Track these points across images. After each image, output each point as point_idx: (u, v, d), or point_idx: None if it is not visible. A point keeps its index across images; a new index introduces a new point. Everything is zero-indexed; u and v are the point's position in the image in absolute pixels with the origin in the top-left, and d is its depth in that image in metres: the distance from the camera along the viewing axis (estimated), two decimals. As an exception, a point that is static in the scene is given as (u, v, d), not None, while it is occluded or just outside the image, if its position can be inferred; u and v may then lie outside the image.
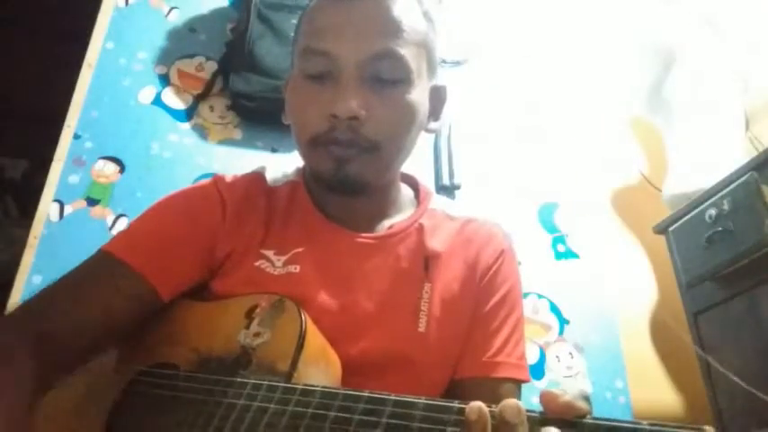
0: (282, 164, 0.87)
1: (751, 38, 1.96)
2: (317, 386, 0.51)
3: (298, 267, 0.72)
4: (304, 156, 0.78)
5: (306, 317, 0.60)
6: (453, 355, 0.76)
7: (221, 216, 0.75)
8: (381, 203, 0.82)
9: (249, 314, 0.63)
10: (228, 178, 0.83)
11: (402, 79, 0.71)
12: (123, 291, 0.67)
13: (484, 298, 0.78)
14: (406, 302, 0.73)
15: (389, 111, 0.71)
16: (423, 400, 0.44)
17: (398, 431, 0.43)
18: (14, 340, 0.58)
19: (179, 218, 0.76)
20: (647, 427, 0.36)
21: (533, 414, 0.41)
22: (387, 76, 0.70)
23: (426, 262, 0.76)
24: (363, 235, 0.77)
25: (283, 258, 0.72)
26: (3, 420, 0.50)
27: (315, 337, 0.61)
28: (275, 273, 0.71)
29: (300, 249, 0.73)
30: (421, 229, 0.79)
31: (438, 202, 0.86)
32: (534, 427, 0.39)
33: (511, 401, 0.40)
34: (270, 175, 0.85)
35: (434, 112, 0.81)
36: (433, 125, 0.81)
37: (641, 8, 2.13)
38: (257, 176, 0.83)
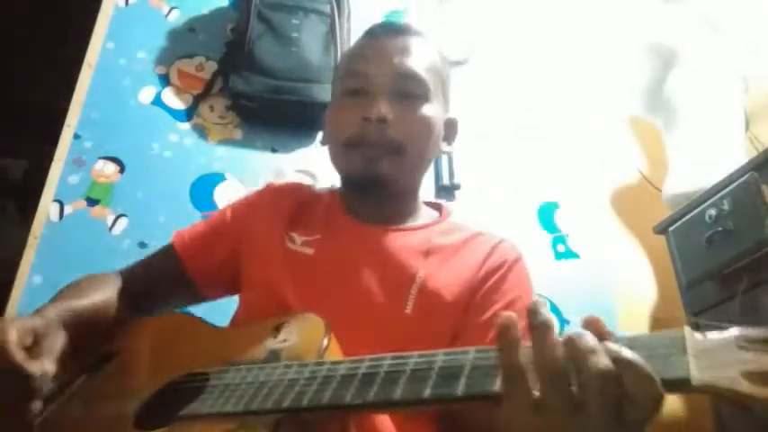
0: (333, 180, 0.99)
1: (751, 38, 1.96)
2: (345, 359, 0.54)
3: (312, 251, 0.84)
4: (339, 160, 0.90)
5: (329, 326, 0.64)
6: (442, 342, 0.76)
7: (257, 212, 0.93)
8: (401, 210, 0.90)
9: (276, 329, 0.67)
10: (278, 183, 1.00)
11: (422, 95, 0.86)
12: (166, 267, 0.94)
13: (488, 304, 0.79)
14: (398, 285, 0.78)
15: (412, 118, 0.85)
16: (442, 351, 0.49)
17: (421, 373, 0.47)
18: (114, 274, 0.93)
19: (222, 214, 0.97)
20: (635, 336, 0.42)
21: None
22: (409, 91, 0.86)
23: (428, 252, 0.82)
24: (377, 228, 0.86)
25: (303, 239, 0.86)
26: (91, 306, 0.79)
27: (336, 343, 0.64)
28: (293, 248, 0.84)
29: (318, 236, 0.85)
30: (431, 230, 0.88)
31: (455, 218, 0.94)
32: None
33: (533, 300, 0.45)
34: (319, 185, 1.01)
35: (448, 139, 0.96)
36: (446, 148, 0.96)
37: (641, 8, 2.13)
38: (305, 184, 1.01)
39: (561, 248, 1.87)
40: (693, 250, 1.58)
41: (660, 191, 1.89)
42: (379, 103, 0.83)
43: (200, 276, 0.93)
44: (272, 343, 0.64)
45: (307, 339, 0.63)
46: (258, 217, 0.92)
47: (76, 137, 1.57)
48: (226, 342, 0.73)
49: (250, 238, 0.91)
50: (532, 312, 0.42)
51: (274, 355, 0.62)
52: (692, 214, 1.61)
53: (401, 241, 0.84)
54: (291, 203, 0.92)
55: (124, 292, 0.88)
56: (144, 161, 1.59)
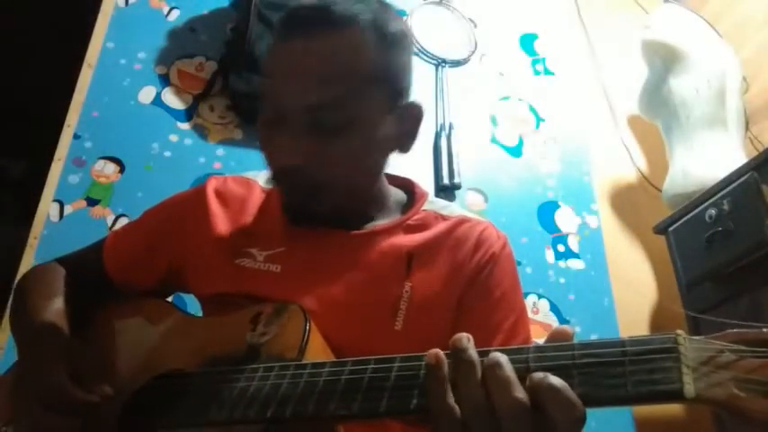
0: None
1: (751, 38, 1.96)
2: (327, 361, 0.53)
3: (279, 267, 0.74)
4: None
5: (308, 315, 0.62)
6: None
7: (199, 219, 0.82)
8: (365, 208, 0.81)
9: (254, 320, 0.65)
10: (220, 180, 0.87)
11: (345, 126, 0.71)
12: (93, 273, 0.86)
13: (476, 302, 0.75)
14: (385, 301, 0.72)
15: (333, 157, 0.72)
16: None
17: (408, 380, 0.48)
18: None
19: (155, 223, 0.88)
20: (627, 339, 0.43)
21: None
22: (329, 125, 0.70)
23: (410, 260, 0.75)
24: (344, 233, 0.77)
25: (265, 254, 0.76)
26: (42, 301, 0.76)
27: (317, 334, 0.63)
28: (255, 266, 0.75)
29: (282, 249, 0.76)
30: (408, 228, 0.79)
31: (434, 204, 0.85)
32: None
33: (460, 334, 0.47)
34: (263, 179, 0.88)
35: (409, 133, 0.79)
36: (408, 146, 0.80)
37: (642, 8, 2.13)
38: (251, 180, 0.88)
39: (561, 248, 1.87)
40: (693, 250, 1.58)
41: (660, 191, 1.89)
42: (291, 147, 0.70)
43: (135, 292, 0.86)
44: (250, 337, 0.62)
45: (286, 333, 0.61)
46: (203, 228, 0.80)
47: (76, 137, 1.57)
48: (203, 334, 0.71)
49: (196, 254, 0.81)
50: (459, 349, 0.45)
51: (254, 351, 0.61)
52: (692, 214, 1.61)
53: (378, 247, 0.76)
54: (241, 207, 0.82)
55: (77, 282, 0.84)
56: (144, 161, 1.59)
